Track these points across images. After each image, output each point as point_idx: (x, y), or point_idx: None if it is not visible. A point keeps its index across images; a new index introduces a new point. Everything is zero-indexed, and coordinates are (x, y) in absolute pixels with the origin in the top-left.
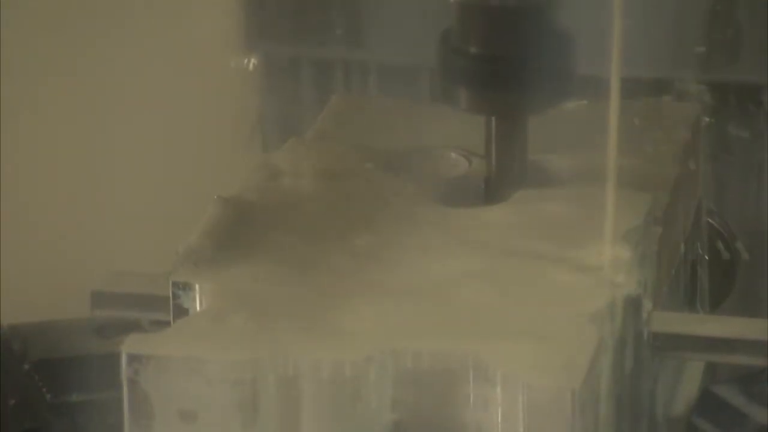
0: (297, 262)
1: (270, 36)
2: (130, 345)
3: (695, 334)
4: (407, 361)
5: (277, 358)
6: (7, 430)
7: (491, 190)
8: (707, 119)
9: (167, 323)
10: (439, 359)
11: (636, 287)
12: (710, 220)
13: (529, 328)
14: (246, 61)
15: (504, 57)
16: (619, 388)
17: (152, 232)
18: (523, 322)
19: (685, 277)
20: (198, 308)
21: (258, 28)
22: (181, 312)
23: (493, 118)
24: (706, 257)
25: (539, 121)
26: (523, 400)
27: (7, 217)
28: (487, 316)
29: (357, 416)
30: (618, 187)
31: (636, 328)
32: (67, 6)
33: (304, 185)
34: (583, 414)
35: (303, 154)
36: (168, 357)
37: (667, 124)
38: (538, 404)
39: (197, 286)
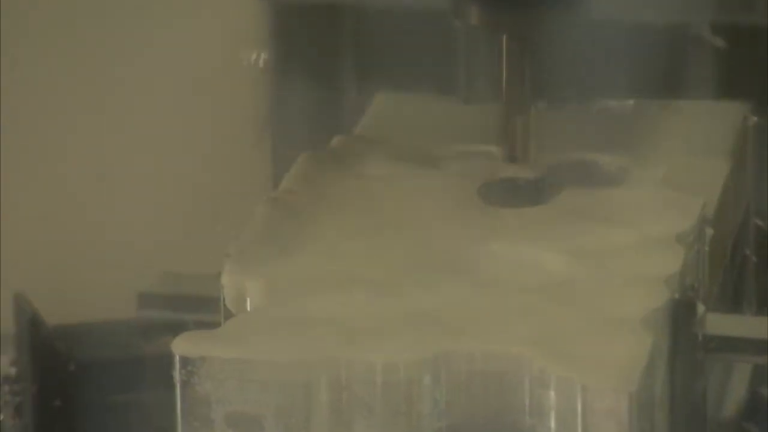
0: (347, 262)
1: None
2: (182, 346)
3: (749, 337)
4: (460, 364)
5: (329, 360)
6: None
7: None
8: (754, 119)
9: (217, 324)
10: (493, 361)
11: (689, 290)
12: (758, 221)
13: (584, 331)
14: (256, 57)
15: None
16: (672, 390)
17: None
18: (577, 325)
19: (733, 279)
20: (248, 309)
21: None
22: (230, 313)
23: (504, 37)
24: (754, 258)
25: (586, 119)
26: (579, 403)
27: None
28: (541, 318)
29: (410, 420)
30: (670, 189)
31: (689, 331)
32: (76, 4)
33: (350, 184)
34: (640, 417)
35: (349, 152)
36: (221, 359)
37: (714, 124)
38: (595, 407)
39: (248, 287)
